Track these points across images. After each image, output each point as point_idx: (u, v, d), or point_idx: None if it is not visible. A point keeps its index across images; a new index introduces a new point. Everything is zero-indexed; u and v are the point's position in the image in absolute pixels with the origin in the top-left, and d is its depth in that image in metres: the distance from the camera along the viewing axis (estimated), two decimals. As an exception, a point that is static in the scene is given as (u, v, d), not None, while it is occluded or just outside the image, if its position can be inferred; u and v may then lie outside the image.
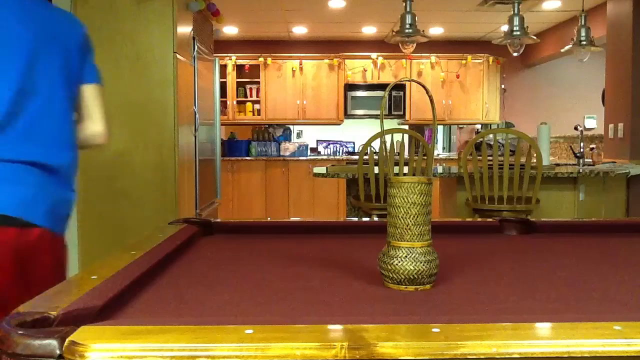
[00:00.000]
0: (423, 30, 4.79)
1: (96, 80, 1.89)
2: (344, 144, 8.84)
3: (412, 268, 1.25)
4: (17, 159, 1.62)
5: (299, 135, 8.96)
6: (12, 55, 1.64)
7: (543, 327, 0.97)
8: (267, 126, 8.67)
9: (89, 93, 1.85)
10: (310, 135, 8.98)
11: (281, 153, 8.35)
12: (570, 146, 6.19)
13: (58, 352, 0.85)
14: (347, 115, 8.48)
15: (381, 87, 8.38)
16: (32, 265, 1.61)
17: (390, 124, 8.59)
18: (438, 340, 0.88)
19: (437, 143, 8.95)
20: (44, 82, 1.69)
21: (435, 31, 8.16)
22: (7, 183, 1.59)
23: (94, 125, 1.88)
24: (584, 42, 5.29)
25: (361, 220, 2.91)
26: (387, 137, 4.97)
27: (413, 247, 1.26)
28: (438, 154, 8.73)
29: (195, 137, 4.42)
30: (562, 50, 6.16)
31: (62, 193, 1.76)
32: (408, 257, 1.26)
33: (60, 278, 1.63)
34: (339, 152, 8.76)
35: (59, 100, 1.74)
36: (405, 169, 4.44)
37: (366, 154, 4.09)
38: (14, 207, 1.58)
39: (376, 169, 4.05)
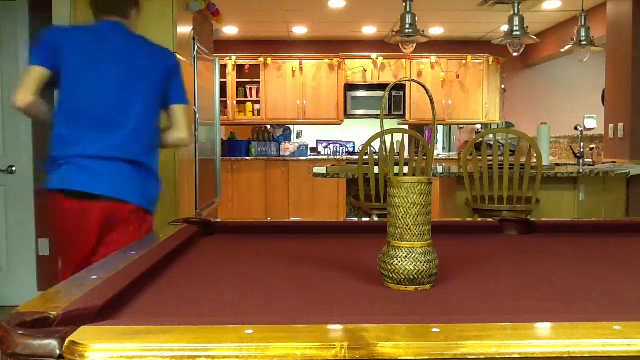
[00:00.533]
0: (423, 30, 4.79)
1: (182, 101, 2.47)
2: (344, 144, 8.84)
3: (412, 268, 1.25)
4: (118, 157, 2.28)
5: (299, 135, 8.95)
6: (109, 86, 2.32)
7: (543, 327, 0.97)
8: (267, 126, 8.67)
9: (177, 111, 2.45)
10: (310, 135, 8.98)
11: (281, 153, 8.35)
12: (570, 146, 6.19)
13: (58, 352, 0.85)
14: (347, 115, 8.48)
15: (381, 87, 8.38)
16: (121, 229, 2.26)
17: (390, 124, 8.59)
18: (438, 340, 0.88)
19: (437, 143, 8.95)
20: (136, 104, 2.34)
21: (435, 31, 8.16)
22: (110, 173, 2.27)
23: (180, 133, 2.47)
24: (584, 42, 5.28)
25: (361, 220, 2.91)
26: (387, 137, 4.97)
27: (413, 247, 1.26)
28: (438, 154, 8.73)
29: (195, 137, 4.42)
30: (562, 50, 6.16)
31: (149, 182, 2.40)
32: (408, 257, 1.26)
33: None
34: (339, 152, 8.76)
35: (148, 118, 2.38)
36: (405, 169, 4.44)
37: (366, 154, 4.09)
38: (110, 189, 2.25)
39: (376, 169, 4.05)
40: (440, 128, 8.91)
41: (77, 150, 2.29)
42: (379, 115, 7.63)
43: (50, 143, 2.41)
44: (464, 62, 8.46)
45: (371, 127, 8.57)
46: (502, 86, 8.88)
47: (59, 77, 2.29)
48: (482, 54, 8.47)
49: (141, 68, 2.37)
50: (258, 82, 8.46)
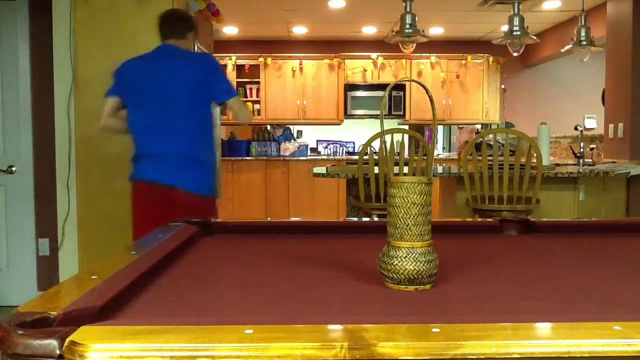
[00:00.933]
0: (423, 30, 4.79)
1: (230, 95, 3.01)
2: (344, 144, 8.84)
3: (412, 268, 1.25)
4: (175, 155, 2.94)
5: (299, 135, 8.95)
6: (164, 99, 2.95)
7: (543, 327, 0.97)
8: (267, 126, 8.67)
9: (230, 104, 3.02)
10: (310, 135, 8.98)
11: (281, 153, 8.35)
12: (570, 146, 6.19)
13: (58, 352, 0.85)
14: (347, 115, 8.48)
15: (381, 87, 8.39)
16: (182, 210, 2.60)
17: (390, 124, 8.59)
18: (438, 340, 0.88)
19: (437, 143, 8.95)
20: (186, 111, 2.95)
21: (435, 31, 8.16)
22: (170, 165, 2.93)
23: (241, 119, 3.09)
24: (584, 42, 5.28)
25: (361, 220, 2.91)
26: (387, 137, 4.97)
27: (413, 247, 1.26)
28: (438, 154, 8.73)
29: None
30: (562, 50, 6.16)
31: (203, 171, 3.02)
32: (408, 257, 1.25)
33: None
34: (339, 152, 8.76)
35: (200, 117, 3.00)
36: (405, 169, 4.44)
37: (366, 154, 4.09)
38: (166, 178, 2.91)
39: (376, 169, 4.05)
40: (440, 128, 8.91)
41: (146, 152, 2.99)
42: (379, 115, 7.62)
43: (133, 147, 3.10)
44: (464, 62, 8.47)
45: (371, 127, 8.57)
46: (502, 86, 8.88)
47: (125, 100, 3.01)
48: (482, 54, 8.47)
49: (188, 79, 2.94)
50: (258, 82, 8.46)
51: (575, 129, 5.47)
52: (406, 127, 8.28)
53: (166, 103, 2.93)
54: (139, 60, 3.08)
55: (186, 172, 2.96)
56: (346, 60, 8.44)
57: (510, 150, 5.23)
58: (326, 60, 8.44)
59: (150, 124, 2.96)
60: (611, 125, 5.57)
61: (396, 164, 5.45)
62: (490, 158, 3.93)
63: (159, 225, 2.43)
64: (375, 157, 4.10)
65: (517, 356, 0.85)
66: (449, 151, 9.05)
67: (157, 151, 2.96)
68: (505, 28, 5.13)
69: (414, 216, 1.27)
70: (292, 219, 2.56)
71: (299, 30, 8.26)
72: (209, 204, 3.04)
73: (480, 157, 4.08)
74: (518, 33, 4.73)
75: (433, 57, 8.43)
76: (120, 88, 3.01)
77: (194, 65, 3.00)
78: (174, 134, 2.94)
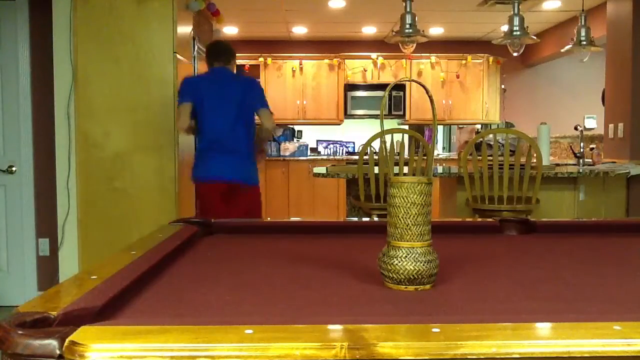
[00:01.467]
0: (423, 30, 4.79)
1: (262, 106, 3.83)
2: (344, 144, 8.84)
3: (412, 268, 1.25)
4: (230, 155, 3.75)
5: (299, 135, 8.95)
6: (223, 113, 3.75)
7: (543, 327, 0.97)
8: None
9: (260, 113, 3.82)
10: (310, 135, 8.98)
11: (281, 153, 8.35)
12: (570, 146, 6.19)
13: (58, 352, 0.85)
14: (347, 115, 8.48)
15: (381, 87, 8.38)
16: (236, 198, 3.72)
17: (390, 124, 8.59)
18: (438, 340, 0.88)
19: (437, 143, 8.95)
20: (238, 122, 3.77)
21: (435, 31, 8.16)
22: (225, 166, 3.73)
23: (267, 124, 3.83)
24: (584, 42, 5.28)
25: (361, 220, 2.91)
26: (387, 137, 4.97)
27: (413, 247, 1.26)
28: (438, 154, 8.73)
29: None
30: (562, 50, 6.16)
31: (249, 165, 3.84)
32: (408, 257, 1.25)
33: (255, 208, 3.88)
34: (339, 152, 8.76)
35: (244, 124, 3.82)
36: (405, 169, 4.44)
37: (366, 154, 4.09)
38: (226, 175, 3.73)
39: (376, 169, 4.05)
40: (440, 128, 8.91)
41: (216, 149, 3.73)
42: (379, 115, 7.62)
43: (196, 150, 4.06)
44: (464, 62, 8.46)
45: (371, 127, 8.57)
46: (502, 86, 8.87)
47: (197, 108, 3.69)
48: (482, 54, 8.47)
49: (237, 96, 3.75)
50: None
51: (575, 129, 5.46)
52: (406, 127, 8.28)
53: (230, 110, 3.72)
54: (204, 78, 3.96)
55: (241, 168, 3.78)
56: (346, 60, 8.44)
57: (510, 150, 5.23)
58: (326, 60, 8.44)
59: (220, 127, 3.72)
60: (611, 125, 5.57)
61: (396, 164, 5.44)
62: (490, 158, 3.93)
63: (229, 213, 3.52)
64: (375, 157, 4.10)
65: (517, 356, 0.85)
66: (449, 151, 9.04)
67: (226, 149, 3.72)
68: (505, 28, 5.13)
69: (414, 216, 1.27)
70: (292, 219, 2.55)
71: (299, 30, 8.26)
72: (257, 191, 3.93)
73: (480, 157, 4.08)
74: (518, 33, 4.73)
75: (433, 57, 8.42)
76: (192, 97, 3.68)
77: (244, 84, 3.86)
78: (236, 134, 3.75)
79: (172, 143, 3.98)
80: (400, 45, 4.96)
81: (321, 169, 4.69)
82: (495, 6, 6.62)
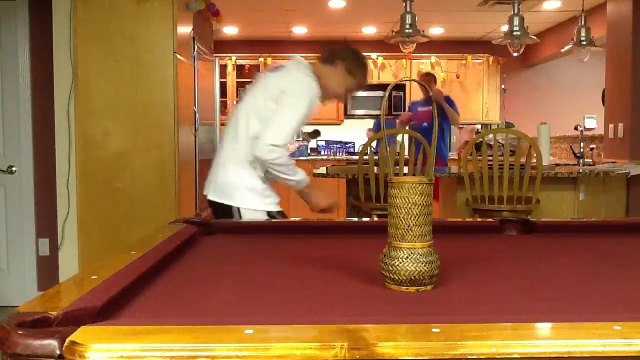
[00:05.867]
0: (423, 30, 4.79)
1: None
2: (344, 144, 8.84)
3: (413, 269, 1.24)
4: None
5: (299, 135, 8.94)
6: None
7: (543, 327, 0.97)
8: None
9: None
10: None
11: (281, 153, 8.33)
12: (570, 146, 6.18)
13: (58, 352, 0.85)
14: (347, 116, 8.47)
15: (381, 87, 8.38)
16: None
17: (390, 124, 8.59)
18: (438, 340, 0.88)
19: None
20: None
21: (435, 31, 8.16)
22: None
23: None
24: (584, 42, 5.28)
25: (361, 220, 2.91)
26: (389, 138, 4.96)
27: (414, 248, 1.26)
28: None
29: (195, 137, 4.42)
30: (562, 50, 6.16)
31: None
32: (409, 257, 1.25)
33: None
34: (339, 152, 8.75)
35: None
36: (405, 169, 4.44)
37: (366, 154, 4.09)
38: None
39: (376, 169, 4.05)
40: (440, 128, 8.90)
41: None
42: (379, 115, 7.62)
43: None
44: (464, 62, 8.46)
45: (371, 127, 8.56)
46: (502, 86, 8.87)
47: None
48: (482, 54, 8.47)
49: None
50: (258, 82, 8.45)
51: (575, 129, 5.46)
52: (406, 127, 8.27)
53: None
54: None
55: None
56: (346, 60, 8.42)
57: (510, 150, 5.23)
58: (326, 60, 8.43)
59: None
60: (611, 125, 5.57)
61: (396, 164, 5.44)
62: (490, 158, 3.93)
63: None
64: (375, 157, 4.10)
65: (517, 356, 0.85)
66: (449, 151, 9.03)
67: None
68: (505, 28, 5.13)
69: (415, 216, 1.26)
70: (292, 219, 2.55)
71: (299, 30, 8.26)
72: None
73: (480, 157, 4.07)
74: (518, 33, 4.73)
75: (433, 57, 8.42)
76: None
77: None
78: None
79: (172, 143, 3.98)
80: (400, 45, 4.96)
81: (321, 169, 4.69)
82: (495, 6, 6.62)
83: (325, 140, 8.86)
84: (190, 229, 1.93)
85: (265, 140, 2.52)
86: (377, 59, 8.40)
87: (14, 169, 4.38)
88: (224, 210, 2.70)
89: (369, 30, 8.25)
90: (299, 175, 2.69)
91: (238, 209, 2.67)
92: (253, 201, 2.68)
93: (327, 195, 2.91)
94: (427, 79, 6.26)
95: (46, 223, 4.37)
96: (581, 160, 5.02)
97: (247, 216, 2.66)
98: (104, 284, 1.17)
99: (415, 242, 1.26)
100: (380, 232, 1.46)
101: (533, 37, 4.92)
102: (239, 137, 2.69)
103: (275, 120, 2.56)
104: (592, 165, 5.04)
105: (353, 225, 2.26)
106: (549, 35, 8.01)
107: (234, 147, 2.73)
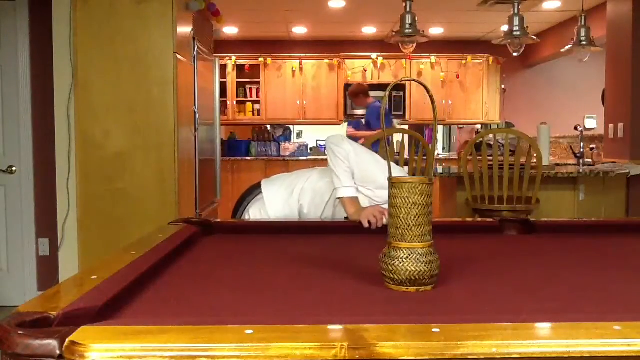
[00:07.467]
0: (423, 30, 4.78)
1: None
2: (344, 144, 8.82)
3: (413, 269, 1.24)
4: None
5: (299, 135, 8.95)
6: None
7: (543, 327, 0.97)
8: (267, 126, 8.66)
9: None
10: (310, 135, 8.98)
11: (281, 153, 8.35)
12: (570, 146, 6.18)
13: (58, 352, 0.85)
14: (347, 116, 8.47)
15: (381, 87, 8.37)
16: None
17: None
18: (438, 340, 0.88)
19: (437, 143, 8.95)
20: None
21: (435, 31, 8.16)
22: None
23: None
24: (584, 42, 5.28)
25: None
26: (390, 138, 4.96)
27: (414, 248, 1.26)
28: (438, 154, 8.72)
29: (195, 137, 4.42)
30: (562, 50, 6.15)
31: None
32: (409, 257, 1.25)
33: None
34: (339, 152, 8.74)
35: None
36: (405, 169, 4.44)
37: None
38: None
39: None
40: (440, 128, 8.91)
41: None
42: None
43: None
44: (464, 62, 8.46)
45: (371, 127, 8.56)
46: (502, 86, 8.87)
47: None
48: (482, 54, 8.47)
49: None
50: (258, 82, 8.46)
51: (575, 129, 5.46)
52: (406, 127, 8.28)
53: None
54: None
55: None
56: (346, 60, 8.43)
57: (510, 150, 5.23)
58: (326, 60, 8.43)
59: None
60: (611, 125, 5.57)
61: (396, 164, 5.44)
62: (490, 158, 3.93)
63: None
64: (375, 157, 4.10)
65: (517, 356, 0.85)
66: (449, 151, 9.04)
67: None
68: (505, 28, 5.13)
69: (415, 217, 1.26)
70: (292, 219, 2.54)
71: (299, 30, 8.26)
72: None
73: (480, 157, 4.07)
74: (518, 33, 4.73)
75: (433, 57, 8.42)
76: None
77: None
78: None
79: (172, 143, 3.97)
80: (400, 45, 4.95)
81: (321, 169, 4.68)
82: (495, 6, 6.62)
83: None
84: (190, 229, 1.93)
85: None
86: (377, 59, 8.40)
87: (14, 168, 4.38)
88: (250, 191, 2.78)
89: (369, 30, 8.25)
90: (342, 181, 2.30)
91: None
92: (278, 194, 2.58)
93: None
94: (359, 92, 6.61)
95: (46, 223, 4.37)
96: (581, 160, 5.02)
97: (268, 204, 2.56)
98: (104, 284, 1.17)
99: (415, 242, 1.26)
100: (380, 232, 1.46)
101: (533, 37, 4.92)
102: None
103: None
104: (592, 165, 5.04)
105: (353, 225, 2.26)
106: (549, 35, 8.01)
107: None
